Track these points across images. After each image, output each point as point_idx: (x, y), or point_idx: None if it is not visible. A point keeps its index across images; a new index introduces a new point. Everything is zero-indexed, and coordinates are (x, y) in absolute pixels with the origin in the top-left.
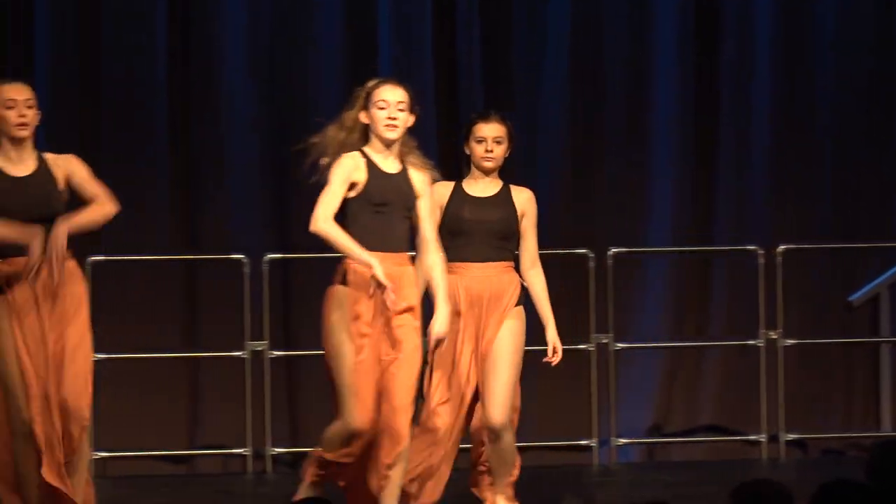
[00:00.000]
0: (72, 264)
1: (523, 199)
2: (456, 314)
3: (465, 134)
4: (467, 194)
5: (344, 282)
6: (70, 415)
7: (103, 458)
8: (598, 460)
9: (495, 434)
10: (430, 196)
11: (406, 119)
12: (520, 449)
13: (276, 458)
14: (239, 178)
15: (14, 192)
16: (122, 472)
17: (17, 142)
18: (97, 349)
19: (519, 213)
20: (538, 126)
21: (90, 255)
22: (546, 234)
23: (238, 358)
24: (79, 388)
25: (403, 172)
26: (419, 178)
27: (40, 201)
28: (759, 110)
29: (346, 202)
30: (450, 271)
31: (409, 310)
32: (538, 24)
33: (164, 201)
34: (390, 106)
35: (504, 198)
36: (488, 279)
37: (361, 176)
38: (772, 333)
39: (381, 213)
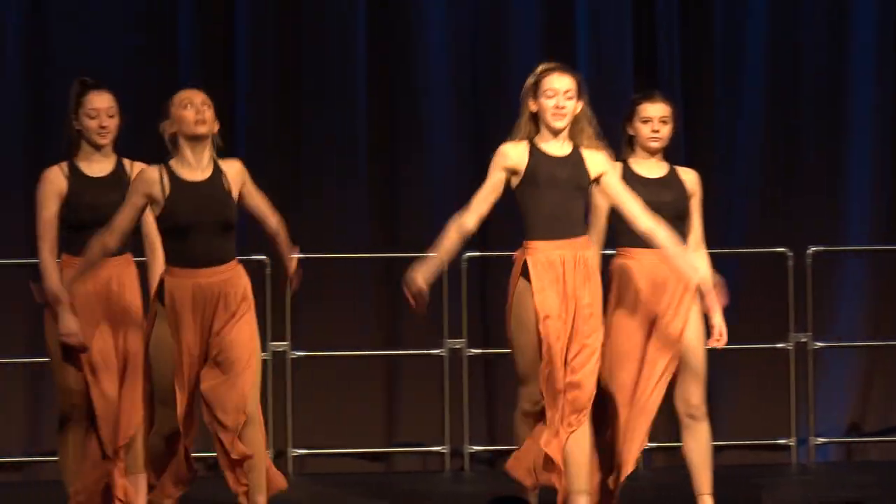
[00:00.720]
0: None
1: (691, 180)
2: (633, 301)
3: (628, 114)
4: (637, 175)
5: (524, 272)
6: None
7: (301, 456)
8: (797, 459)
9: (698, 418)
10: (613, 170)
11: (574, 107)
12: (718, 448)
13: (474, 456)
14: (439, 177)
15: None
16: (321, 470)
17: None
18: (298, 346)
19: (689, 192)
20: (737, 127)
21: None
22: (745, 232)
23: (436, 356)
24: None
25: (575, 153)
26: (594, 156)
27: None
28: None
29: (513, 191)
30: (624, 257)
31: (590, 304)
32: (737, 26)
33: (364, 200)
34: (558, 94)
35: (673, 178)
36: (662, 265)
37: (523, 161)
38: None
39: (548, 197)
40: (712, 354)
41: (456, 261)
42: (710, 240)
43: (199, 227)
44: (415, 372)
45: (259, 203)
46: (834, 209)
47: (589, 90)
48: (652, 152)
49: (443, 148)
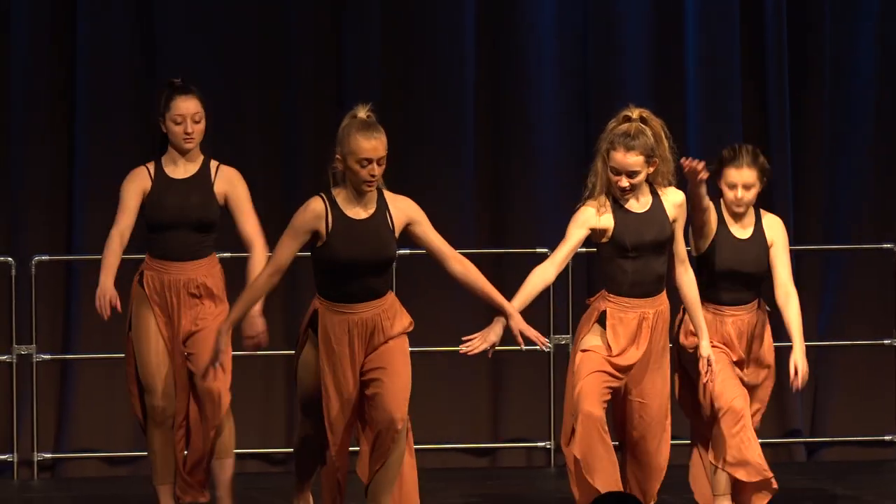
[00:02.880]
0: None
1: (774, 228)
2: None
3: (717, 168)
4: (731, 234)
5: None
6: None
7: None
8: None
9: None
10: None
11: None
12: (822, 444)
13: None
14: (543, 177)
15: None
16: (426, 466)
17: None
18: None
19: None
20: (843, 125)
21: None
22: (848, 229)
23: (538, 352)
24: None
25: (655, 205)
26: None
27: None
28: None
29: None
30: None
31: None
32: (845, 24)
33: (472, 198)
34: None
35: (757, 233)
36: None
37: (609, 223)
38: None
39: (634, 259)
40: (818, 350)
41: None
42: (815, 236)
43: (357, 266)
44: (520, 368)
45: (433, 241)
46: None
47: (698, 86)
48: (735, 217)
49: (549, 148)
